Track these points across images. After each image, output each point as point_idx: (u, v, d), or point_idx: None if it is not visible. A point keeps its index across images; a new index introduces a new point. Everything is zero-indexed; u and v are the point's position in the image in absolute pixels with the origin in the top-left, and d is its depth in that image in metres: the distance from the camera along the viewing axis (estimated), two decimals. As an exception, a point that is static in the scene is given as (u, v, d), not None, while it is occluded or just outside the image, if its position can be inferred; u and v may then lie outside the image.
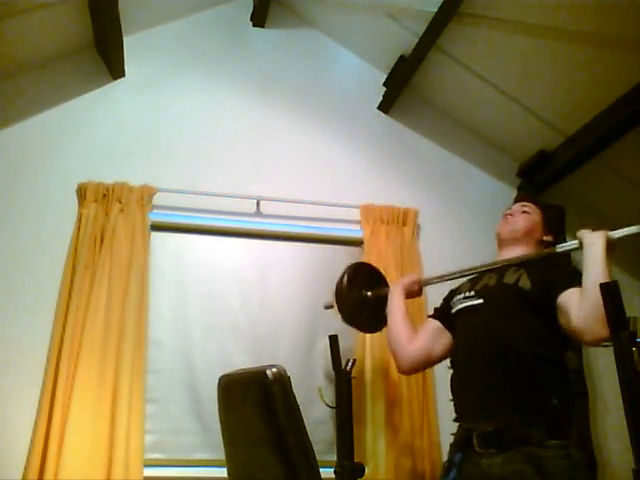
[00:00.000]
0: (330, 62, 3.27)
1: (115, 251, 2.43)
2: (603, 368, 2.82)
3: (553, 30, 2.48)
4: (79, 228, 2.48)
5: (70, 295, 2.36)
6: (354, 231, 2.83)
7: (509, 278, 1.75)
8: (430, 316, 2.00)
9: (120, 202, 2.53)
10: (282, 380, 1.28)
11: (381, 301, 2.13)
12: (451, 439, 1.77)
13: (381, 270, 2.36)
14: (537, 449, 1.50)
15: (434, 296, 2.17)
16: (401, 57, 3.02)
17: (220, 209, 2.73)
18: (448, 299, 1.95)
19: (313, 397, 2.26)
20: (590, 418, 2.74)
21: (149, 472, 2.28)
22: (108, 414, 2.21)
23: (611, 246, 1.60)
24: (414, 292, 2.14)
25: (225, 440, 1.56)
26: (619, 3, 2.23)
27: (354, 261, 2.40)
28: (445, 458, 1.77)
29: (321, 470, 1.28)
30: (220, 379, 1.59)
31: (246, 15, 3.22)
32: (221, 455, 1.60)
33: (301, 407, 1.29)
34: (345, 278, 2.21)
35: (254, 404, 1.34)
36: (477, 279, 1.87)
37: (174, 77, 2.98)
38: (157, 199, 2.63)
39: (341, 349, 2.25)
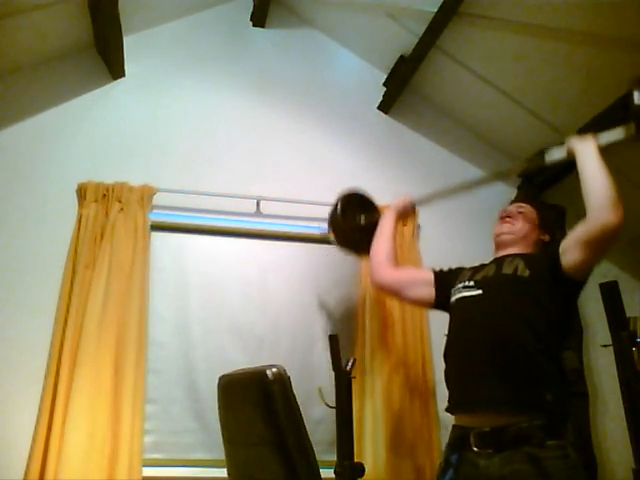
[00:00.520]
0: (330, 62, 3.27)
1: (115, 251, 2.43)
2: (603, 368, 2.82)
3: (553, 30, 2.48)
4: (79, 228, 2.48)
5: (70, 295, 2.36)
6: (354, 231, 2.83)
7: (507, 268, 1.76)
8: (429, 269, 2.04)
9: (120, 202, 2.53)
10: (282, 380, 1.28)
11: (375, 226, 2.23)
12: (451, 439, 1.77)
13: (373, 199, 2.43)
14: (536, 449, 1.50)
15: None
16: (401, 57, 3.02)
17: (220, 209, 2.73)
18: (453, 275, 1.95)
19: (313, 397, 2.26)
20: (590, 418, 2.74)
21: (149, 472, 2.29)
22: (108, 414, 2.21)
23: (599, 151, 1.70)
24: (407, 213, 2.31)
25: (225, 440, 1.56)
26: (618, 3, 2.23)
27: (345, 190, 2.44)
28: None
29: (321, 470, 1.28)
30: (220, 379, 1.59)
31: (246, 15, 3.22)
32: (221, 455, 1.61)
33: (301, 407, 1.30)
34: (339, 206, 2.31)
35: (254, 404, 1.34)
36: (479, 269, 1.87)
37: (174, 77, 2.98)
38: (157, 199, 2.63)
39: (341, 349, 2.25)
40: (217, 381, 1.61)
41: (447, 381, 1.79)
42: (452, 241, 2.94)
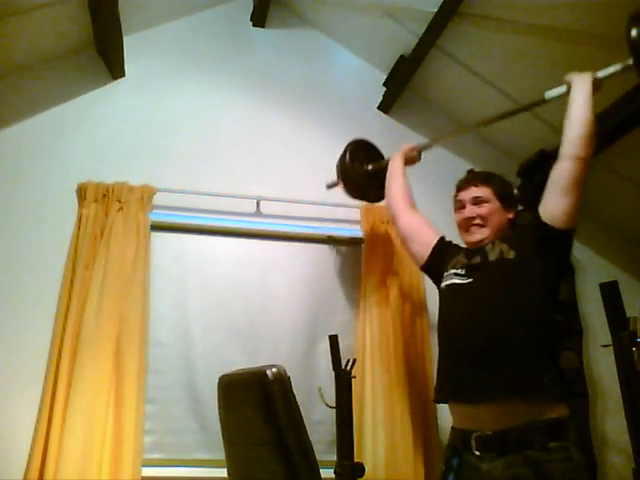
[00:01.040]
0: (330, 62, 3.27)
1: (115, 251, 2.43)
2: (603, 368, 2.82)
3: (553, 30, 2.48)
4: (79, 228, 2.48)
5: (70, 295, 2.36)
6: (354, 231, 2.83)
7: (492, 255, 1.76)
8: (437, 234, 2.06)
9: (120, 202, 2.53)
10: (282, 380, 1.28)
11: (382, 172, 2.33)
12: (452, 439, 1.76)
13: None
14: (538, 453, 1.49)
15: (433, 291, 2.18)
16: (401, 57, 3.02)
17: (220, 209, 2.73)
18: (450, 250, 1.96)
19: (313, 397, 2.25)
20: (590, 418, 2.74)
21: (149, 472, 2.29)
22: (108, 414, 2.22)
23: (597, 85, 1.76)
24: (413, 158, 2.36)
25: (225, 440, 1.57)
26: (618, 3, 2.23)
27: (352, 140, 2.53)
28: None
29: (321, 470, 1.28)
30: (220, 379, 1.59)
31: (246, 15, 3.22)
32: (221, 455, 1.61)
33: (301, 407, 1.30)
34: (347, 154, 2.42)
35: (254, 404, 1.34)
36: (470, 254, 1.84)
37: (174, 77, 2.98)
38: (157, 199, 2.63)
39: (341, 349, 2.25)
40: (217, 381, 1.61)
41: (439, 371, 1.79)
42: (452, 241, 2.94)
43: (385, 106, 3.16)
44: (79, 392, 2.20)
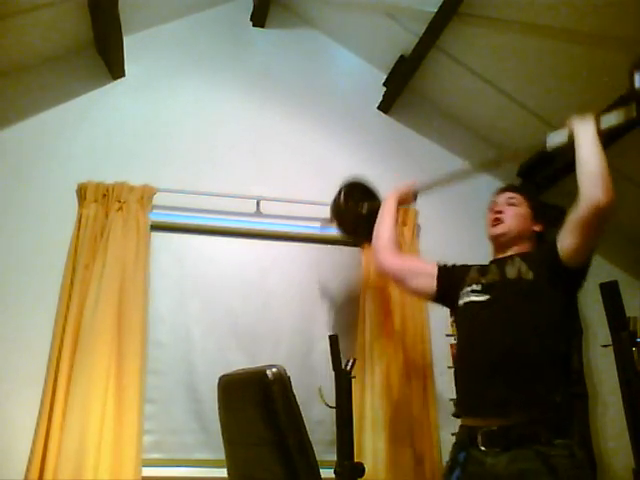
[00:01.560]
0: (330, 62, 3.27)
1: (115, 251, 2.43)
2: (603, 368, 2.82)
3: (553, 30, 2.48)
4: (79, 228, 2.48)
5: (70, 295, 2.36)
6: (354, 231, 2.83)
7: (511, 272, 1.75)
8: (435, 263, 2.02)
9: (120, 202, 2.53)
10: (282, 380, 1.28)
11: (376, 213, 2.27)
12: (452, 439, 1.77)
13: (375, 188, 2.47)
14: (544, 447, 1.50)
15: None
16: (401, 57, 3.02)
17: (220, 209, 2.73)
18: (460, 274, 1.93)
19: (313, 397, 2.25)
20: (590, 418, 2.74)
21: (149, 472, 2.29)
22: (108, 414, 2.21)
23: (600, 132, 1.70)
24: (407, 199, 2.32)
25: (225, 440, 1.56)
26: (618, 3, 2.23)
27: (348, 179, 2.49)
28: (446, 458, 1.77)
29: (321, 470, 1.28)
30: (220, 379, 1.59)
31: (246, 15, 3.22)
32: (221, 455, 1.60)
33: (301, 407, 1.29)
34: (342, 193, 2.37)
35: (254, 404, 1.34)
36: (484, 271, 1.85)
37: (174, 77, 2.98)
38: (157, 199, 2.63)
39: (341, 349, 2.25)
40: (217, 381, 1.61)
41: (457, 386, 1.79)
42: (452, 241, 2.94)
43: (385, 106, 3.16)
44: (79, 392, 2.20)
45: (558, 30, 2.47)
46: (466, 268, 1.94)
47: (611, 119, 1.73)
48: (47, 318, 2.36)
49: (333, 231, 2.85)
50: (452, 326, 2.48)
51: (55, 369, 2.24)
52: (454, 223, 3.02)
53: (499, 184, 3.14)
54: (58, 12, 2.56)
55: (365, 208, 2.40)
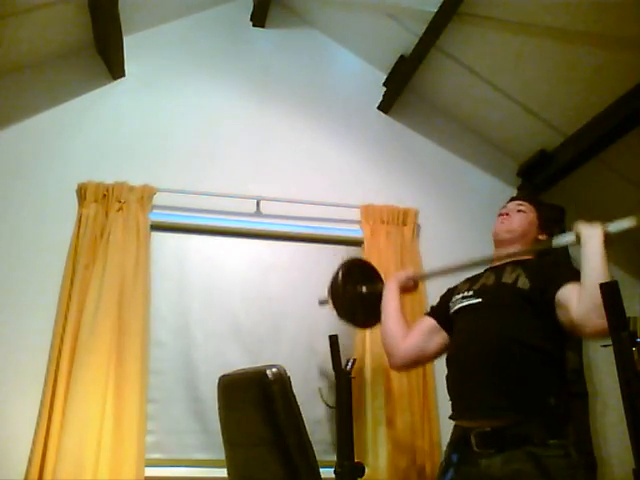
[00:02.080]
0: (330, 62, 3.27)
1: (115, 251, 2.43)
2: (603, 368, 2.82)
3: (553, 30, 2.48)
4: (79, 228, 2.47)
5: (70, 295, 2.36)
6: (354, 231, 2.83)
7: (507, 278, 1.75)
8: (426, 314, 2.00)
9: (120, 202, 2.53)
10: (282, 380, 1.28)
11: (376, 297, 2.12)
12: (451, 439, 1.76)
13: (379, 268, 2.34)
14: (538, 449, 1.50)
15: (434, 290, 2.17)
16: (401, 57, 3.02)
17: (220, 209, 2.73)
18: (446, 298, 1.95)
19: (313, 397, 2.26)
20: (590, 418, 2.74)
21: (150, 472, 2.28)
22: (109, 414, 2.21)
23: (609, 240, 1.60)
24: (409, 287, 2.15)
25: (225, 440, 1.56)
26: (618, 3, 2.23)
27: (347, 258, 2.37)
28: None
29: (321, 470, 1.28)
30: (220, 379, 1.59)
31: (246, 15, 3.22)
32: (221, 455, 1.60)
33: (301, 407, 1.29)
34: (340, 274, 2.19)
35: (254, 404, 1.34)
36: (475, 279, 1.87)
37: (174, 77, 2.98)
38: (157, 199, 2.63)
39: (341, 349, 2.25)
40: (217, 381, 1.61)
41: (448, 389, 1.79)
42: (452, 241, 2.94)
43: (385, 106, 3.16)
44: (79, 392, 2.20)
45: (558, 30, 2.47)
46: (452, 289, 1.94)
47: (620, 225, 1.66)
48: (47, 318, 2.35)
49: (333, 231, 2.86)
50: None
51: (55, 369, 2.24)
52: (454, 223, 3.02)
53: (499, 184, 3.17)
54: (58, 12, 2.56)
55: (364, 290, 2.22)
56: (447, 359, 1.83)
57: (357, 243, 2.85)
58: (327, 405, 2.15)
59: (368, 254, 2.72)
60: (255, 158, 2.90)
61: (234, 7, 3.22)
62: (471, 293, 1.80)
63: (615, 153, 2.73)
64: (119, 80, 2.88)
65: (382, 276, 2.29)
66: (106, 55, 2.83)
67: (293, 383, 1.30)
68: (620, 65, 2.44)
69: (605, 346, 2.25)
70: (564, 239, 1.75)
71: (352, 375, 2.19)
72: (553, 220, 2.04)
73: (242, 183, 2.81)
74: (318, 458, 1.28)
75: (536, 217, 1.91)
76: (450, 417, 1.75)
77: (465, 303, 1.80)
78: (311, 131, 3.04)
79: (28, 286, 2.44)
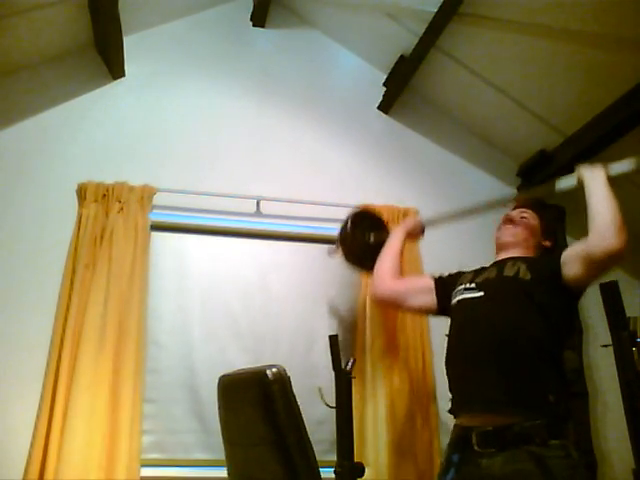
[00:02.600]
0: (330, 62, 3.27)
1: (115, 251, 2.43)
2: (603, 368, 2.82)
3: (553, 30, 2.48)
4: (79, 228, 2.47)
5: (70, 295, 2.35)
6: (354, 231, 2.83)
7: (509, 271, 1.77)
8: (430, 276, 2.04)
9: (120, 202, 2.53)
10: (282, 380, 1.28)
11: (383, 244, 2.25)
12: (451, 439, 1.76)
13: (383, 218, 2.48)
14: (540, 448, 1.50)
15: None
16: (401, 57, 3.02)
17: (220, 209, 2.73)
18: (453, 279, 1.96)
19: (313, 397, 2.25)
20: (590, 418, 2.74)
21: (148, 472, 2.29)
22: (108, 414, 2.21)
23: (610, 181, 1.70)
24: (416, 234, 2.31)
25: (225, 440, 1.56)
26: (618, 3, 2.23)
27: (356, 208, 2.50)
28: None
29: (321, 470, 1.28)
30: (220, 379, 1.59)
31: (246, 15, 3.22)
32: (221, 455, 1.61)
33: (301, 407, 1.30)
34: (349, 223, 2.35)
35: (254, 404, 1.34)
36: (480, 272, 1.87)
37: (174, 77, 2.98)
38: (157, 199, 2.63)
39: (341, 349, 2.25)
40: (217, 381, 1.61)
41: (449, 382, 1.79)
42: (452, 241, 2.94)
43: (385, 106, 3.16)
44: (79, 392, 2.20)
45: (558, 30, 2.47)
46: (461, 273, 1.96)
47: (620, 167, 1.71)
48: (47, 318, 2.35)
49: (333, 231, 2.86)
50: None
51: (55, 369, 2.24)
52: (454, 224, 3.02)
53: (499, 184, 3.17)
54: (58, 12, 2.56)
55: (372, 238, 2.37)
56: (447, 351, 1.84)
57: (357, 243, 2.85)
58: (327, 405, 2.14)
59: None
60: (255, 158, 2.90)
61: (234, 7, 3.22)
62: (473, 286, 1.81)
63: (615, 153, 2.72)
64: (119, 80, 2.88)
65: (387, 226, 2.46)
66: (106, 55, 2.83)
67: (293, 383, 1.30)
68: (620, 65, 2.44)
69: (605, 346, 2.26)
70: (567, 182, 1.78)
71: (352, 375, 2.19)
72: (556, 227, 2.05)
73: (242, 183, 2.81)
74: (318, 458, 1.28)
75: (539, 224, 1.93)
76: (449, 411, 1.76)
77: (467, 295, 1.81)
78: (311, 131, 3.04)
79: (28, 286, 2.44)
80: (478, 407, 1.63)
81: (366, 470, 1.98)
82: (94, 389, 2.22)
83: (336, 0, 3.12)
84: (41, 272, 2.45)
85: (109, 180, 2.58)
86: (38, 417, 2.20)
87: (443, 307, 1.96)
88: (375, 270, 2.16)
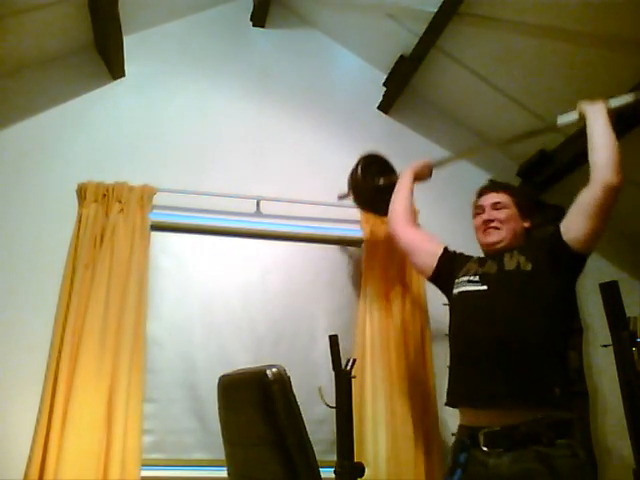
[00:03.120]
0: (330, 62, 3.27)
1: (115, 251, 2.43)
2: (603, 368, 2.82)
3: (553, 30, 2.48)
4: (79, 228, 2.47)
5: (70, 295, 2.35)
6: (354, 231, 2.83)
7: (510, 264, 1.77)
8: (443, 246, 2.07)
9: (120, 202, 2.53)
10: (282, 380, 1.28)
11: (393, 187, 2.34)
12: (453, 439, 1.76)
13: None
14: (547, 448, 1.50)
15: (434, 295, 2.19)
16: (401, 57, 3.02)
17: (220, 209, 2.73)
18: (459, 260, 1.98)
19: (313, 397, 2.25)
20: (590, 418, 2.74)
21: (148, 472, 2.28)
22: (107, 414, 2.21)
23: (610, 114, 1.77)
24: (424, 174, 2.37)
25: (225, 440, 1.56)
26: (618, 3, 2.23)
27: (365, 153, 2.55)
28: (446, 458, 1.76)
29: (321, 470, 1.28)
30: (220, 379, 1.59)
31: (246, 15, 3.22)
32: (221, 455, 1.60)
33: (301, 407, 1.29)
34: (360, 167, 2.44)
35: (254, 404, 1.34)
36: (483, 262, 1.87)
37: (174, 77, 2.98)
38: (157, 199, 2.62)
39: (341, 349, 2.25)
40: (217, 381, 1.61)
41: (450, 376, 1.79)
42: (452, 241, 2.92)
43: (385, 106, 3.16)
44: (79, 392, 2.20)
45: (558, 30, 2.47)
46: (467, 258, 1.98)
47: (620, 100, 1.79)
48: (47, 318, 2.35)
49: (333, 231, 2.86)
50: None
51: (55, 369, 2.24)
52: (454, 222, 3.00)
53: (499, 184, 3.16)
54: (58, 12, 2.56)
55: (382, 181, 2.47)
56: (451, 346, 1.85)
57: (357, 243, 2.85)
58: (327, 405, 2.14)
59: (368, 254, 2.72)
60: (255, 158, 2.90)
61: (234, 7, 3.22)
62: (477, 278, 1.81)
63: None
64: (119, 80, 2.88)
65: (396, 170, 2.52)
66: (106, 55, 2.82)
67: (293, 383, 1.30)
68: (620, 65, 2.44)
69: (605, 346, 2.26)
70: (568, 118, 1.82)
71: (352, 375, 2.19)
72: (531, 202, 2.06)
73: (242, 183, 2.81)
74: (318, 458, 1.28)
75: (515, 207, 1.92)
76: (446, 403, 1.76)
77: (470, 288, 1.81)
78: (311, 131, 3.04)
79: (28, 286, 2.44)
80: (482, 402, 1.63)
81: (366, 470, 1.98)
82: (94, 389, 2.22)
83: (336, 0, 3.12)
84: (41, 272, 2.45)
85: (109, 180, 2.58)
86: (38, 417, 2.20)
87: (436, 277, 2.02)
88: (390, 212, 2.25)
